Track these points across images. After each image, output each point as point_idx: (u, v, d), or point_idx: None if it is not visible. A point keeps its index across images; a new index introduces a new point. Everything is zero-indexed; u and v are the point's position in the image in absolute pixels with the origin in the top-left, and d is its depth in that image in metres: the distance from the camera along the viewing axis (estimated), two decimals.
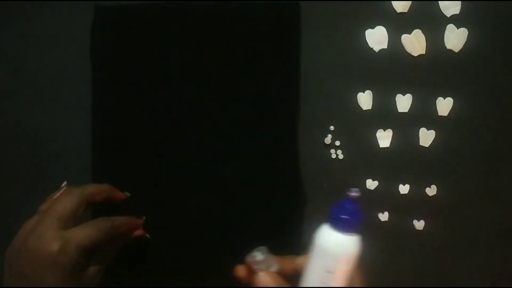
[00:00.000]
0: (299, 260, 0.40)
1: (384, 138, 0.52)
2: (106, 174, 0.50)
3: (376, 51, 0.51)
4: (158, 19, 0.51)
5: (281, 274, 0.39)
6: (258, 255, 0.38)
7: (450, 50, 0.51)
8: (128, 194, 0.49)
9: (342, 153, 0.52)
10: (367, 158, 0.52)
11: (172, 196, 0.51)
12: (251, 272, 0.38)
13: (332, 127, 0.52)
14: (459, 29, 0.51)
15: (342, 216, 0.36)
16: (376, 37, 0.51)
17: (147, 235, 0.49)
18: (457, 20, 0.51)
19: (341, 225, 0.36)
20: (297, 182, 0.51)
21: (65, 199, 0.42)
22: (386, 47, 0.51)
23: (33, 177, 0.53)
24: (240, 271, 0.40)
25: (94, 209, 0.47)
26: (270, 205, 0.50)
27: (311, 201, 0.51)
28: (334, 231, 0.36)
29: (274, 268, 0.38)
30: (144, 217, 0.49)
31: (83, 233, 0.40)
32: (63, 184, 0.46)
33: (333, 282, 0.36)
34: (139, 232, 0.48)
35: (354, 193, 0.36)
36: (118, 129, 0.52)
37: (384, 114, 0.52)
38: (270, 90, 0.51)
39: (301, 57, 0.51)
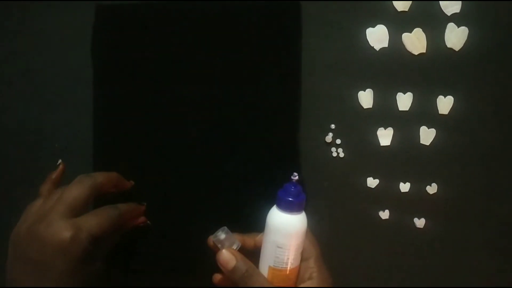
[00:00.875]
0: (258, 237, 0.44)
1: (385, 137, 0.52)
2: (107, 170, 0.50)
3: (377, 49, 0.52)
4: (158, 18, 0.51)
5: (243, 250, 0.43)
6: (221, 234, 0.42)
7: (451, 49, 0.51)
8: (132, 182, 0.50)
9: (343, 152, 0.52)
10: (368, 157, 0.52)
11: (172, 196, 0.51)
12: (217, 250, 0.43)
13: (333, 126, 0.52)
14: (459, 28, 0.51)
15: (287, 199, 0.41)
16: (377, 36, 0.51)
17: (149, 223, 0.50)
18: (457, 19, 0.51)
19: (287, 207, 0.41)
20: (298, 180, 0.51)
21: (76, 187, 0.42)
22: (386, 45, 0.51)
23: (34, 175, 0.53)
24: (211, 241, 0.43)
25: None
26: (271, 203, 0.50)
27: (312, 199, 0.52)
28: (281, 212, 0.41)
29: (236, 245, 0.43)
30: (145, 203, 0.50)
31: (93, 221, 0.41)
32: (58, 163, 0.47)
33: (285, 256, 0.41)
34: (141, 219, 0.49)
35: (295, 177, 0.41)
36: (119, 127, 0.52)
37: (384, 113, 0.52)
38: (271, 89, 0.51)
39: (302, 56, 0.51)
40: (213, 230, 0.43)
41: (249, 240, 0.44)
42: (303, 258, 0.43)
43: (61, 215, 0.40)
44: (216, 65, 0.51)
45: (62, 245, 0.38)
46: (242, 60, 0.51)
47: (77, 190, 0.42)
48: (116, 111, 0.52)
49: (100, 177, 0.44)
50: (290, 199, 0.41)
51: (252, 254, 0.44)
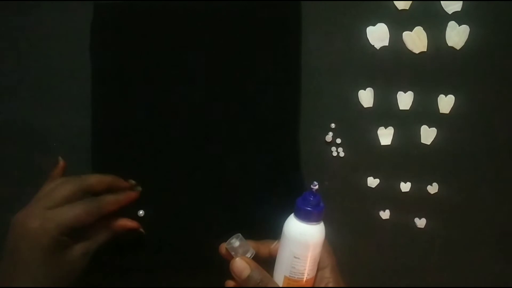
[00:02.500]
0: (273, 245, 0.43)
1: (386, 136, 0.52)
2: (106, 170, 0.50)
3: (377, 48, 0.51)
4: (157, 17, 0.51)
5: (257, 258, 0.42)
6: (235, 241, 0.41)
7: (452, 47, 0.51)
8: (133, 182, 0.50)
9: (343, 151, 0.52)
10: (368, 156, 0.52)
11: (172, 194, 0.51)
12: (230, 257, 0.42)
13: (333, 125, 0.52)
14: (460, 26, 0.51)
15: (306, 208, 0.39)
16: (378, 34, 0.51)
17: (142, 230, 0.49)
18: (458, 17, 0.51)
19: (305, 216, 0.40)
20: (298, 179, 0.51)
21: (63, 186, 0.43)
22: (387, 44, 0.51)
23: (32, 174, 0.53)
24: (223, 248, 0.43)
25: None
26: (271, 203, 0.50)
27: None
28: (299, 221, 0.40)
29: (250, 253, 0.42)
30: (140, 188, 0.49)
31: (67, 213, 0.41)
32: (59, 160, 0.48)
33: (301, 266, 0.40)
34: (133, 224, 0.48)
35: (315, 186, 0.40)
36: (117, 126, 0.51)
37: (385, 112, 0.52)
38: (271, 88, 0.51)
39: (302, 55, 0.51)
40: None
41: (264, 248, 0.43)
42: (319, 267, 0.42)
43: (39, 207, 0.41)
44: (216, 64, 0.51)
45: (29, 233, 0.39)
46: (242, 59, 0.51)
47: (62, 189, 0.43)
48: (115, 110, 0.51)
49: (91, 180, 0.45)
50: (309, 208, 0.39)
51: (267, 262, 0.43)
